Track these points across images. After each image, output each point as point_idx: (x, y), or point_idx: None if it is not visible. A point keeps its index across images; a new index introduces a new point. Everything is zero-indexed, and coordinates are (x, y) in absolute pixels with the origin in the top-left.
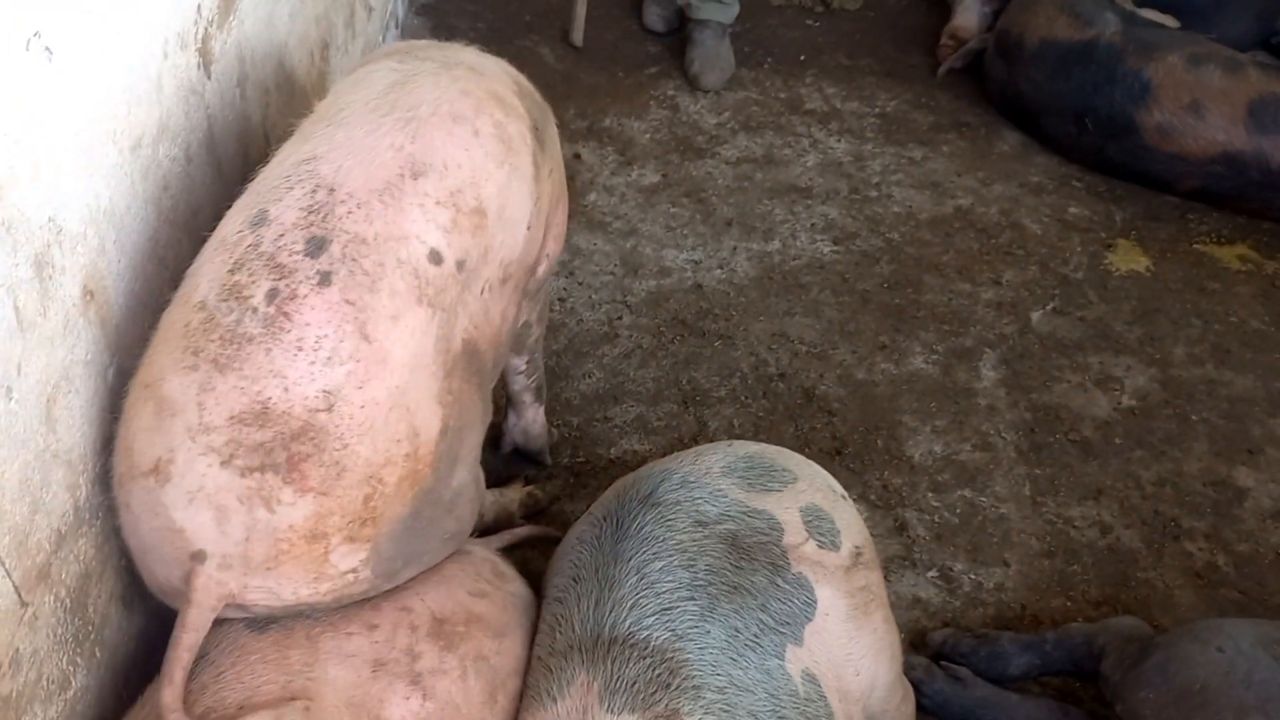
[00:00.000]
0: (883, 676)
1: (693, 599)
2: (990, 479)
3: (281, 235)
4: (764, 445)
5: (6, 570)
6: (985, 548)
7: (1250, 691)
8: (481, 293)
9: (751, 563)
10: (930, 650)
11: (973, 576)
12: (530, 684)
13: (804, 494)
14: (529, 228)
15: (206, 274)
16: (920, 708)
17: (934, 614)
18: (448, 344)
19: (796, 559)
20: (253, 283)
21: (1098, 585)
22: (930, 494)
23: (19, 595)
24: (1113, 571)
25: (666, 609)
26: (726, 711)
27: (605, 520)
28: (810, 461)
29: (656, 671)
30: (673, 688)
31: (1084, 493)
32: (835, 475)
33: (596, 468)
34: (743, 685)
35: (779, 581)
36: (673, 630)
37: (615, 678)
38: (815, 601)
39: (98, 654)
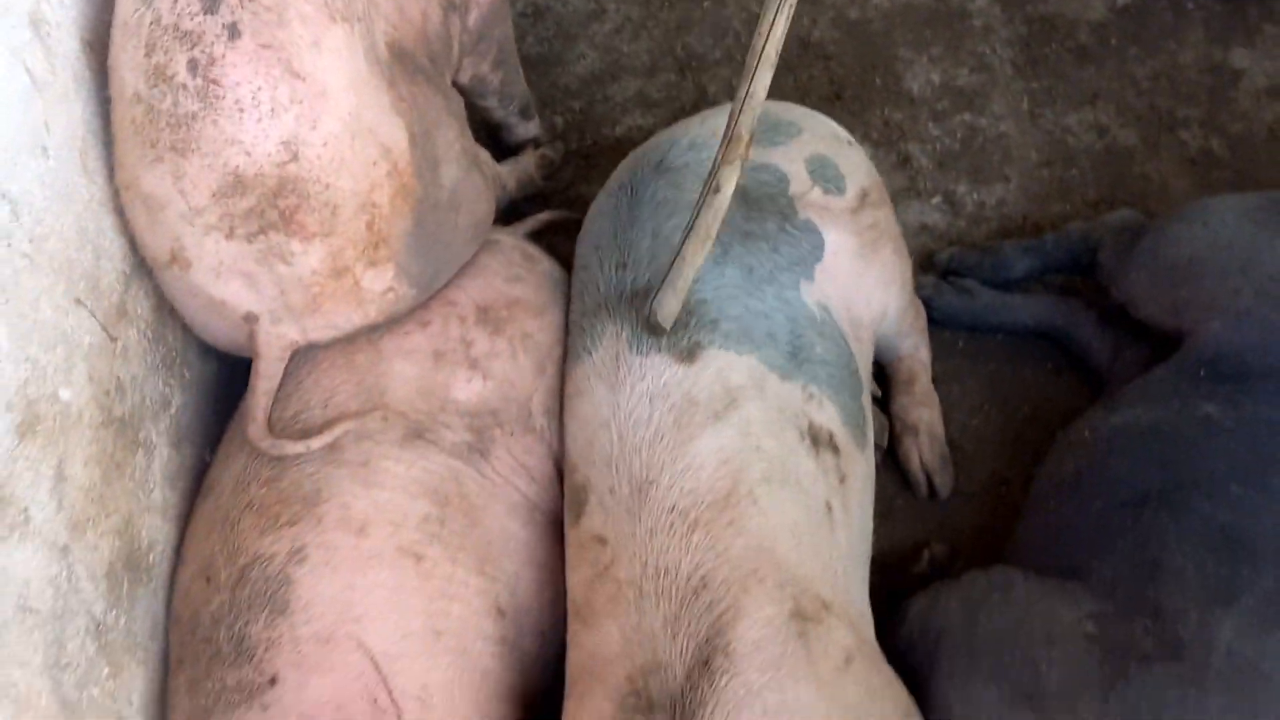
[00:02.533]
0: (893, 303)
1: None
2: (988, 99)
3: (175, 2)
4: (767, 101)
5: (90, 311)
6: (986, 167)
7: (1232, 256)
8: None
9: (761, 212)
10: (938, 269)
11: (975, 196)
12: (568, 345)
13: (809, 145)
14: None
15: (126, 64)
16: (931, 321)
17: (940, 237)
18: (375, 54)
19: (803, 206)
20: (170, 61)
21: (1095, 186)
22: (931, 124)
23: (106, 332)
24: (1110, 171)
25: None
26: (745, 334)
27: (620, 190)
28: (814, 112)
29: (680, 311)
30: (691, 325)
31: (1081, 99)
32: (837, 119)
33: (604, 147)
34: (759, 311)
35: (787, 227)
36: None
37: (640, 324)
38: (823, 244)
39: (186, 374)
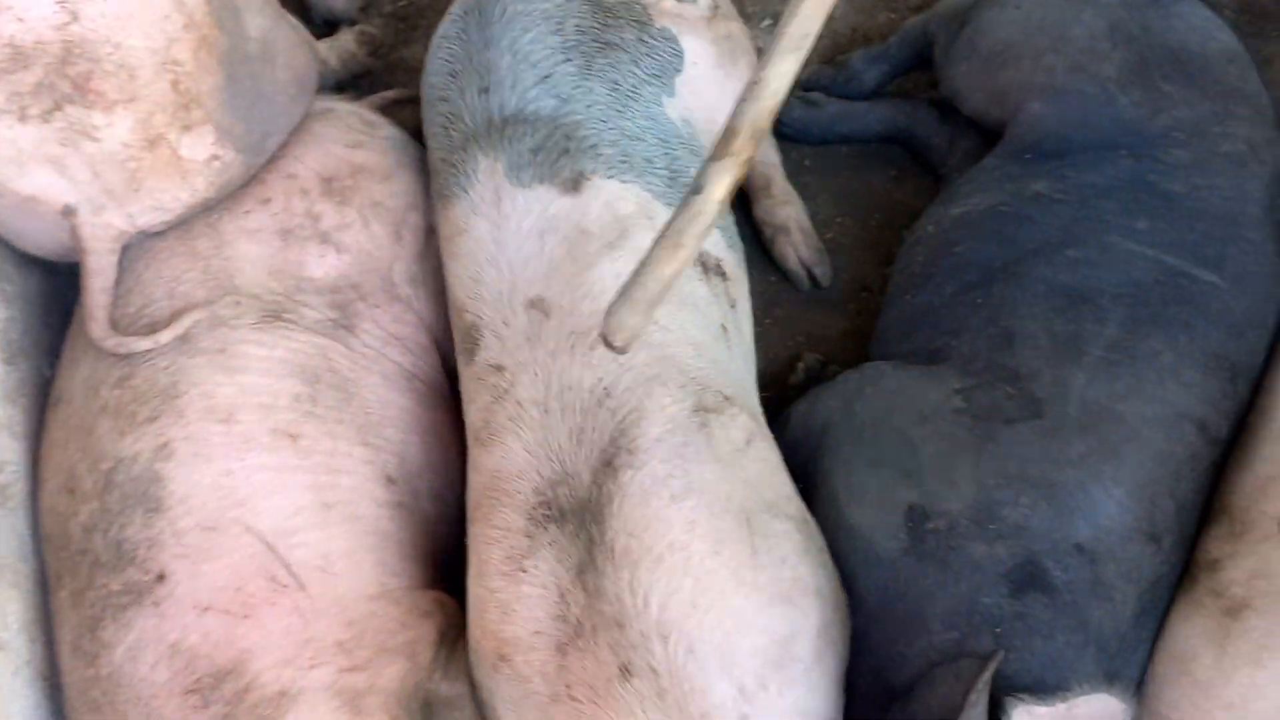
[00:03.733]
0: None
1: (569, 60)
2: None
3: None
4: None
5: None
6: None
7: (1044, 35)
8: None
9: (617, 20)
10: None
11: None
12: (437, 188)
13: None
14: None
15: None
16: (782, 137)
17: None
18: None
19: (658, 14)
20: None
21: None
22: None
23: None
24: None
25: (546, 76)
26: (625, 161)
27: (467, 15)
28: None
29: (553, 139)
30: (572, 151)
31: None
32: None
33: (421, 7)
34: (633, 134)
35: (645, 36)
36: (557, 95)
37: (517, 153)
38: (682, 53)
39: (7, 288)
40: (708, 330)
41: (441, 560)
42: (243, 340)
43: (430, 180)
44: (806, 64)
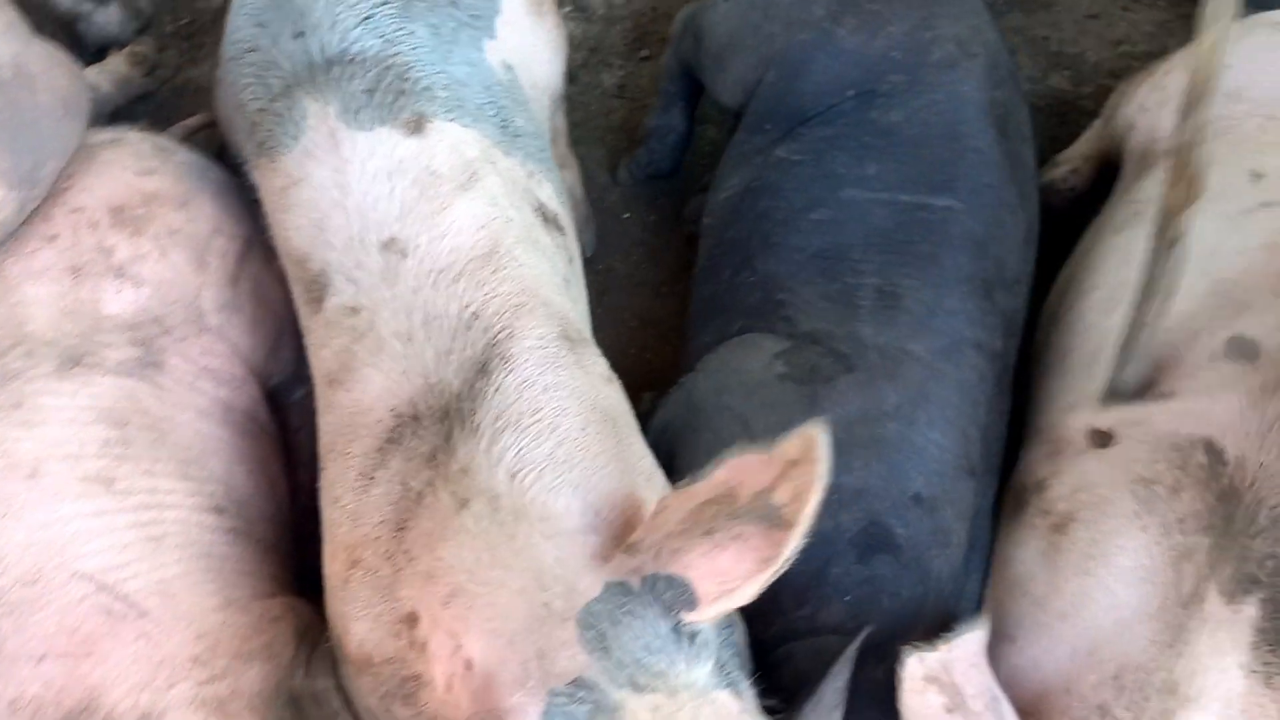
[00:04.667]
0: (558, 74)
1: (386, 2)
2: None
3: None
4: None
5: None
6: None
7: (755, 11)
8: None
9: None
10: (630, 178)
11: None
12: (259, 141)
13: None
14: None
15: None
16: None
17: (579, 45)
18: None
19: None
20: None
21: None
22: None
23: None
24: None
25: (366, 17)
26: (459, 106)
27: None
28: None
29: (386, 80)
30: (408, 92)
31: None
32: None
33: (204, 24)
34: (460, 80)
35: None
36: (381, 36)
37: (348, 95)
38: None
39: None
40: (556, 280)
41: (287, 580)
42: (40, 392)
43: (248, 137)
44: (595, 50)
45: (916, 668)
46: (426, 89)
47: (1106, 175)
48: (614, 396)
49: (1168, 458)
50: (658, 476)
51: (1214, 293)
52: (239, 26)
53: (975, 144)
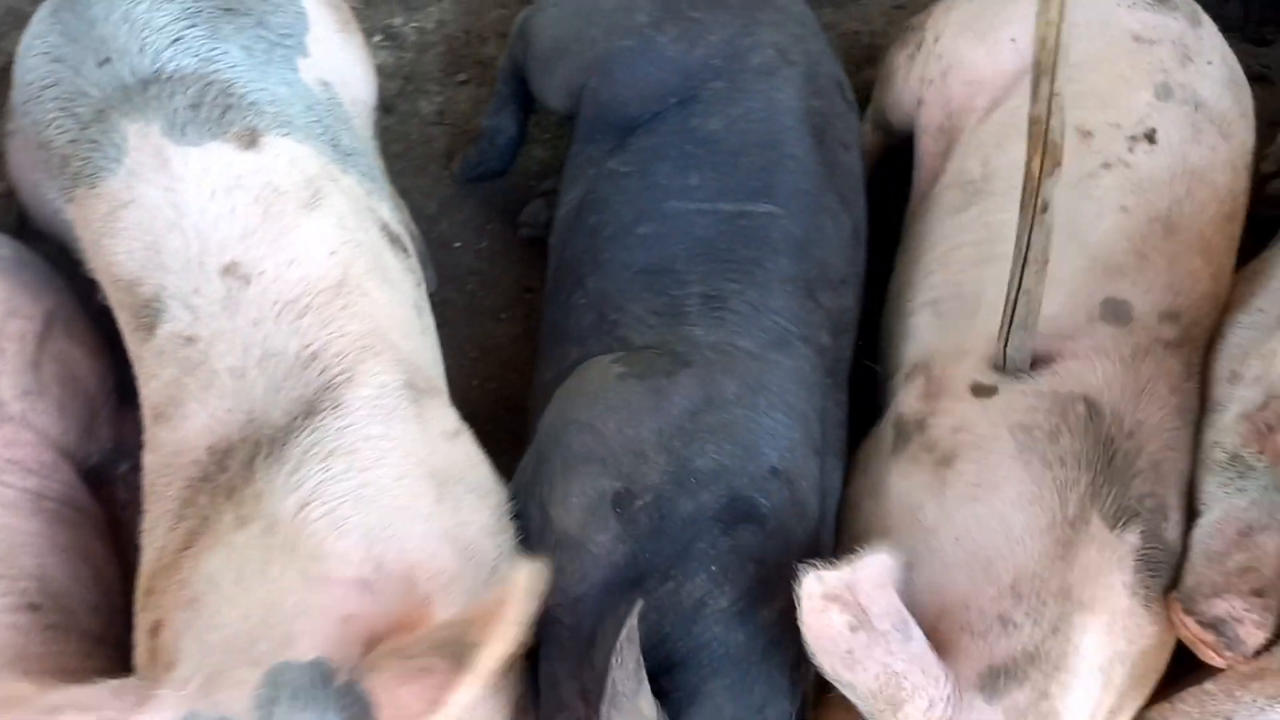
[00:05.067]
0: (372, 91)
1: (194, 25)
2: None
3: None
4: None
5: None
6: None
7: (580, 16)
8: None
9: None
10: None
11: (414, 25)
12: (73, 174)
13: None
14: None
15: None
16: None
17: (393, 75)
18: None
19: None
20: None
21: None
22: None
23: None
24: None
25: (176, 39)
26: (289, 123)
27: (59, 9)
28: None
29: (209, 95)
30: (236, 106)
31: None
32: None
33: None
34: (283, 99)
35: None
36: (195, 55)
37: (171, 111)
38: (305, 10)
39: None
40: (406, 307)
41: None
42: None
43: (59, 174)
44: (408, 78)
45: (815, 586)
46: (253, 104)
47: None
48: (454, 455)
49: (1047, 408)
50: (482, 551)
51: (1083, 256)
52: (32, 67)
53: (792, 151)
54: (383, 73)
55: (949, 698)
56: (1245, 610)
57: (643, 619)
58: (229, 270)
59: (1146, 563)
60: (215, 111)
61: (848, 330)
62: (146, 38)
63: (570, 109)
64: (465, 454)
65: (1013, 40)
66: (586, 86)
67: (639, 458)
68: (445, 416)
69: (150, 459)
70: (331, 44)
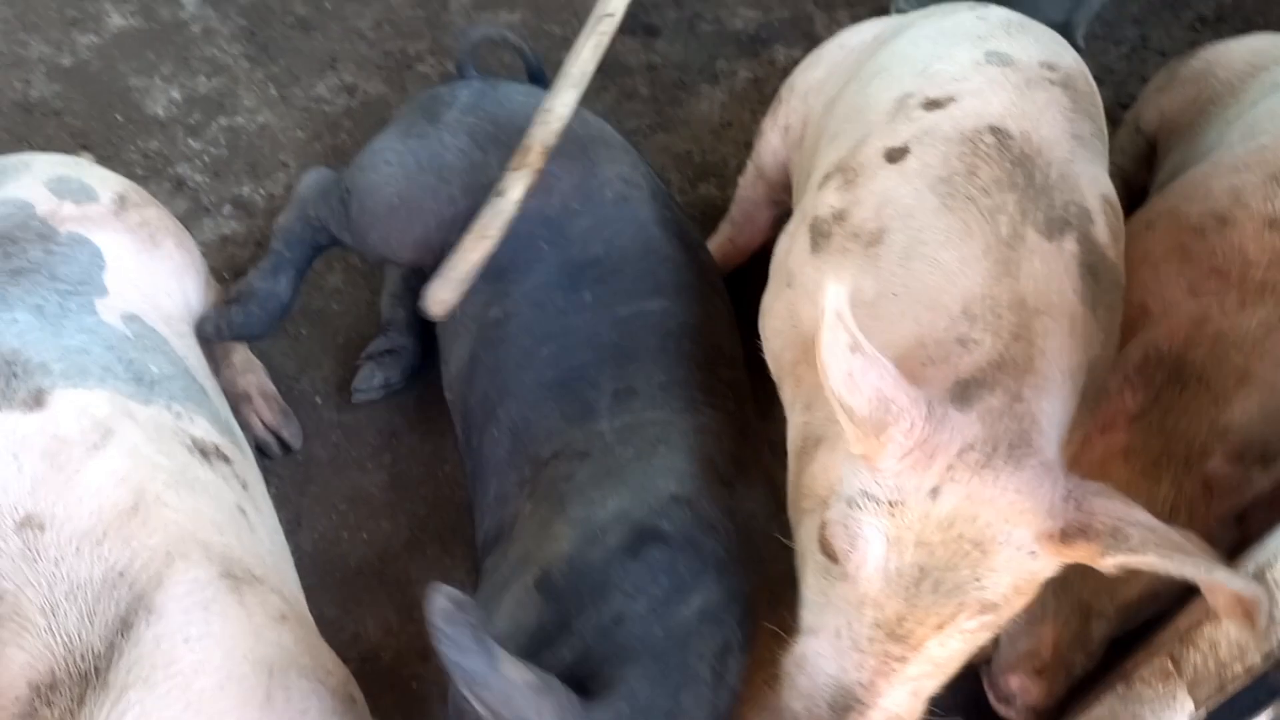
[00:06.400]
0: (192, 291)
1: None
2: (237, 98)
3: None
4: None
5: None
6: (261, 162)
7: (428, 174)
8: None
9: (18, 244)
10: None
11: (262, 192)
12: None
13: (44, 171)
14: None
15: None
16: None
17: (244, 243)
18: None
19: (59, 222)
20: None
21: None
22: (190, 140)
23: None
24: (375, 122)
25: None
26: (81, 372)
27: None
28: (45, 153)
29: None
30: (20, 375)
31: (320, 67)
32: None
33: None
34: (77, 349)
35: (53, 247)
36: None
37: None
38: (99, 250)
39: None
40: (224, 512)
41: None
42: None
43: None
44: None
45: (834, 300)
46: (41, 364)
47: None
48: (283, 640)
49: (959, 150)
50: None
51: None
52: None
53: (667, 253)
54: (234, 241)
55: (925, 415)
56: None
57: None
58: (24, 524)
59: (1088, 268)
60: (1, 382)
61: (747, 400)
62: None
63: (421, 264)
64: (295, 638)
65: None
66: (447, 243)
67: (549, 539)
68: (270, 602)
69: None
70: (134, 271)
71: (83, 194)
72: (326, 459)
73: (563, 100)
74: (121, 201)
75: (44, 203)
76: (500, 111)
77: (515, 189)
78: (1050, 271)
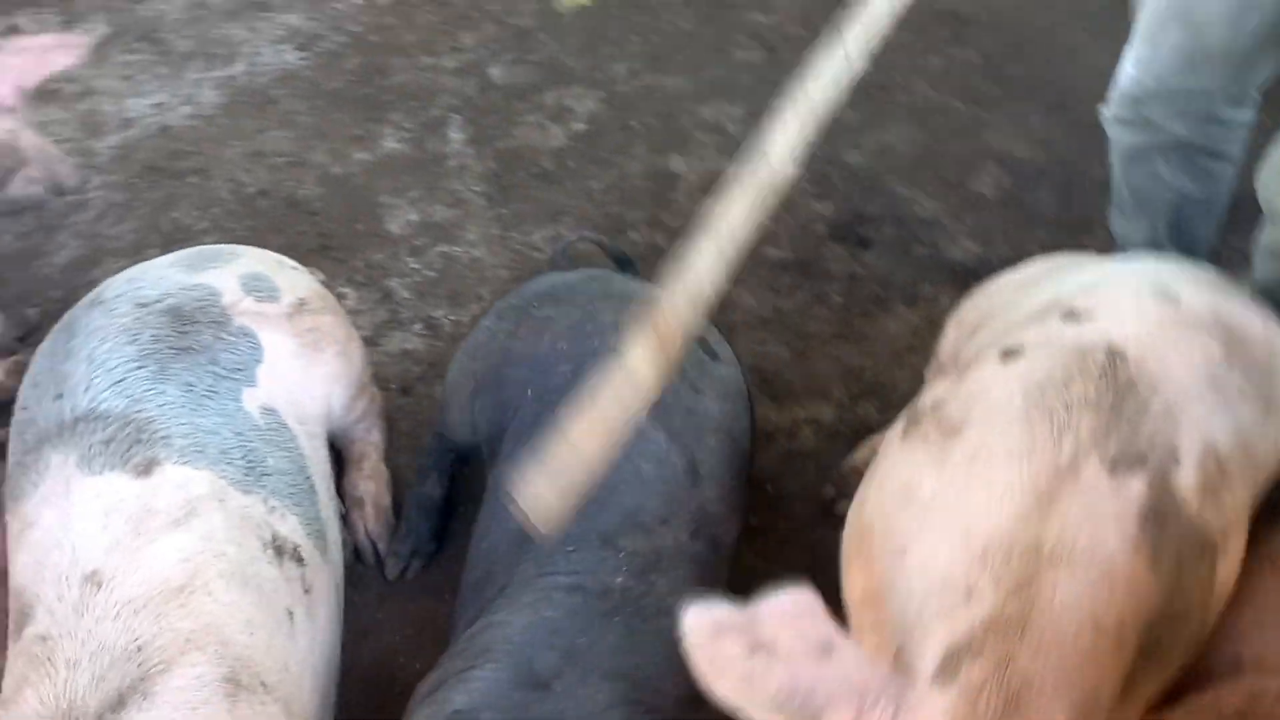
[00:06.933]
0: (337, 398)
1: (143, 367)
2: (463, 230)
3: None
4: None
5: None
6: (462, 291)
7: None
8: None
9: (194, 325)
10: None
11: (453, 318)
12: (10, 490)
13: (244, 265)
14: None
15: None
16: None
17: (421, 360)
18: None
19: (237, 314)
20: None
21: None
22: (409, 259)
23: None
24: None
25: (119, 381)
26: (199, 451)
27: (59, 331)
28: (261, 250)
29: (125, 432)
30: (144, 441)
31: (545, 217)
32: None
33: None
34: (207, 429)
35: (223, 334)
36: (129, 396)
37: (87, 447)
38: (261, 346)
39: None
40: (268, 612)
41: None
42: None
43: (5, 488)
44: (434, 364)
45: (702, 619)
46: (165, 437)
47: None
48: None
49: (1065, 359)
50: None
51: None
52: (25, 385)
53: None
54: (413, 357)
55: (884, 702)
56: None
57: None
58: (89, 578)
59: (1153, 515)
60: (124, 446)
61: (668, 568)
62: (95, 378)
63: (470, 442)
64: None
65: None
66: (474, 410)
67: (484, 656)
68: (266, 713)
69: None
70: (287, 370)
71: (267, 293)
72: (412, 578)
73: (704, 263)
74: (299, 306)
75: (230, 294)
76: (537, 287)
77: (643, 368)
78: (1092, 515)
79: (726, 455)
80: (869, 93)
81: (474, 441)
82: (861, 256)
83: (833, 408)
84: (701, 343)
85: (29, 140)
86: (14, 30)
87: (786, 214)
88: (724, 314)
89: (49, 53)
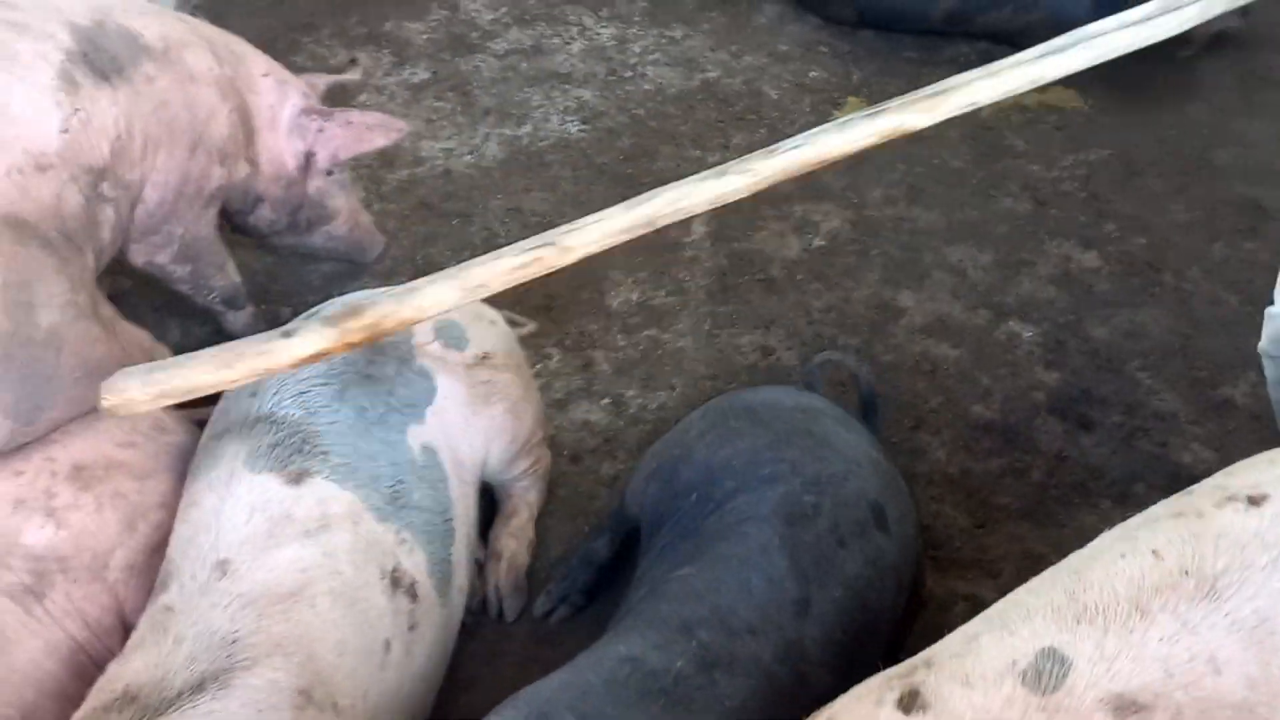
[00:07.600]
0: (497, 453)
1: (328, 384)
2: (676, 319)
3: None
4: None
5: None
6: (658, 376)
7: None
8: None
9: (384, 356)
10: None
11: (640, 401)
12: (192, 466)
13: (450, 315)
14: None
15: None
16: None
17: (598, 434)
18: None
19: (422, 354)
20: None
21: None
22: (619, 335)
23: None
24: (763, 382)
25: (303, 392)
26: (350, 472)
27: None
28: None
29: (293, 440)
30: (305, 452)
31: (758, 323)
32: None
33: None
34: (366, 454)
35: (404, 370)
36: (306, 408)
37: (257, 446)
38: (435, 388)
39: None
40: (365, 638)
41: None
42: None
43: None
44: (610, 440)
45: None
46: (324, 453)
47: None
48: None
49: None
50: None
51: None
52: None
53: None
54: (591, 429)
55: None
56: None
57: None
58: (219, 565)
59: None
60: (286, 452)
61: (738, 674)
62: (285, 384)
63: (636, 518)
64: None
65: None
66: (645, 491)
67: None
68: None
69: (98, 682)
70: (454, 416)
71: (455, 341)
72: (527, 641)
73: (436, 297)
74: (481, 359)
75: (423, 335)
76: (750, 398)
77: (305, 344)
78: None
79: (849, 613)
80: (1134, 266)
81: (639, 519)
82: (1078, 438)
83: (997, 591)
84: (873, 505)
85: (341, 203)
86: (354, 63)
87: (1008, 374)
88: (909, 461)
89: (371, 131)
